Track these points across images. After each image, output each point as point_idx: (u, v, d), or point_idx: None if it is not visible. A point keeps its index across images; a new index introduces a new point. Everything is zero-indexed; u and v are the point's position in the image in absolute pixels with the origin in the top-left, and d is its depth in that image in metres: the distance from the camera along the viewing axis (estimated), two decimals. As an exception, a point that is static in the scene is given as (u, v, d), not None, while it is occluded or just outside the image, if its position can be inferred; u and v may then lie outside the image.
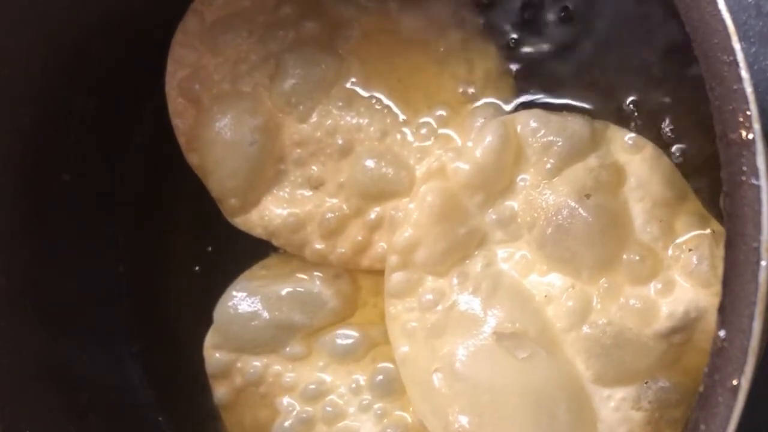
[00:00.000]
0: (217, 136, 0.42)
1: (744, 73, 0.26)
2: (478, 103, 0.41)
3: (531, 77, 0.41)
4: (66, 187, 0.43)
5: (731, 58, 0.26)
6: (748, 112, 0.26)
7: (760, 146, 0.25)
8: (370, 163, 0.41)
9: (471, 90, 0.41)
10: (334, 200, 0.41)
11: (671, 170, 0.37)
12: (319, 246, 0.41)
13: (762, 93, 0.40)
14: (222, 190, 0.42)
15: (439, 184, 0.38)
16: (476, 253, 0.38)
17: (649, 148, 0.37)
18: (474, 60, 0.41)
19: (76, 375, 0.42)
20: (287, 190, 0.42)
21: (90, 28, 0.42)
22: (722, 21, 0.27)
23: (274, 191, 0.42)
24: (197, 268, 0.45)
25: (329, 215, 0.41)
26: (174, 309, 0.46)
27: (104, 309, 0.46)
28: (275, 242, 0.42)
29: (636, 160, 0.37)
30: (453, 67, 0.41)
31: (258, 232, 0.42)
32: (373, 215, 0.41)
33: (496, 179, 0.38)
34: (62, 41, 0.41)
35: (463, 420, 0.36)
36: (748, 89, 0.26)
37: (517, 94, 0.41)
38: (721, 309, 0.26)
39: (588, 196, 0.37)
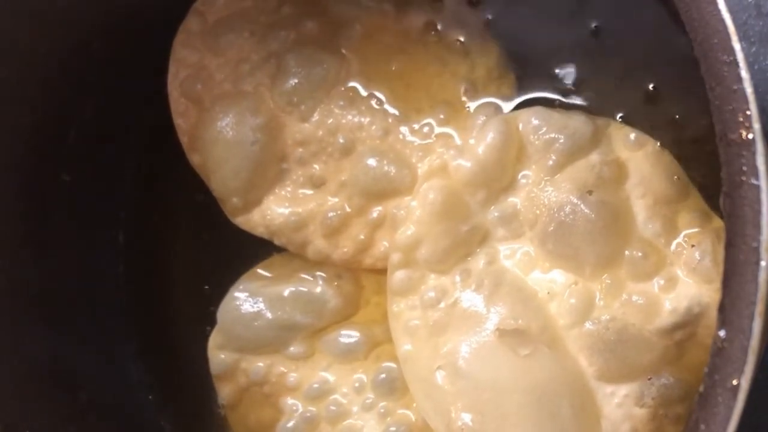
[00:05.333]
0: (219, 135, 0.42)
1: (744, 73, 0.26)
2: (480, 102, 0.41)
3: (532, 75, 0.41)
4: (66, 187, 0.43)
5: (731, 58, 0.26)
6: (748, 112, 0.26)
7: (760, 146, 0.25)
8: (371, 161, 0.40)
9: (472, 88, 0.41)
10: (336, 199, 0.41)
11: (673, 166, 0.37)
12: (321, 245, 0.41)
13: (762, 93, 0.40)
14: (224, 189, 0.42)
15: (440, 182, 0.38)
16: (478, 250, 0.38)
17: (650, 145, 0.38)
18: (475, 58, 0.41)
19: (76, 375, 0.42)
20: (289, 189, 0.42)
21: (90, 28, 0.42)
22: (722, 21, 0.26)
23: (276, 190, 0.42)
24: (198, 268, 0.46)
25: (331, 214, 0.41)
26: (174, 309, 0.46)
27: (104, 309, 0.46)
28: (277, 242, 0.42)
29: (638, 156, 0.37)
30: (454, 65, 0.41)
31: (260, 231, 0.42)
32: (375, 214, 0.41)
33: (498, 176, 0.38)
34: (62, 41, 0.41)
35: (466, 417, 0.36)
36: (748, 89, 0.26)
37: (519, 92, 0.41)
38: (721, 309, 0.26)
39: (590, 192, 0.37)
